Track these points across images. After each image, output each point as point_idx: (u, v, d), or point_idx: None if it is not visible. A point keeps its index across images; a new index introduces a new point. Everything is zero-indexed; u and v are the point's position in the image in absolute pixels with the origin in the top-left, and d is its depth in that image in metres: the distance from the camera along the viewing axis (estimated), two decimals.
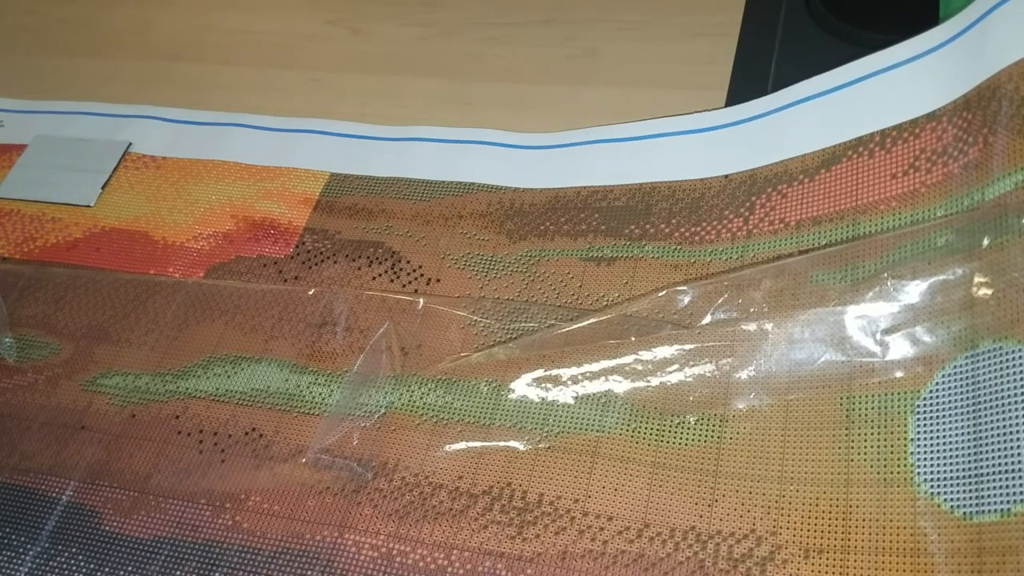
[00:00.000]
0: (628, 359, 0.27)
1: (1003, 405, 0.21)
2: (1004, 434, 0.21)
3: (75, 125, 0.40)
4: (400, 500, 0.26)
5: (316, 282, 0.32)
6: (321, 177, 0.35)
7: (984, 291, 0.22)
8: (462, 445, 0.27)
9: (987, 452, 0.21)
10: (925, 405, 0.23)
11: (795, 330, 0.25)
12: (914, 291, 0.24)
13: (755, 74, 0.33)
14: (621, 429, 0.26)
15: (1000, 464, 0.20)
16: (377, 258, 0.32)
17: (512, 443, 0.26)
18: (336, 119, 0.37)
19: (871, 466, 0.23)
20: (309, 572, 0.25)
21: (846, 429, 0.23)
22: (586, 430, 0.26)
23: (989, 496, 0.20)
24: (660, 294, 0.27)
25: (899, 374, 0.23)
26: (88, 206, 0.37)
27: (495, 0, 0.42)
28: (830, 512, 0.23)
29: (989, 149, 0.24)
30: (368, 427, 0.28)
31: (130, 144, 0.38)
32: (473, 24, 0.41)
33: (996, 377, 0.21)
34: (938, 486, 0.21)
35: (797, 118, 0.29)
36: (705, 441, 0.25)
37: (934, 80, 0.27)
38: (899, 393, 0.23)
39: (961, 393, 0.22)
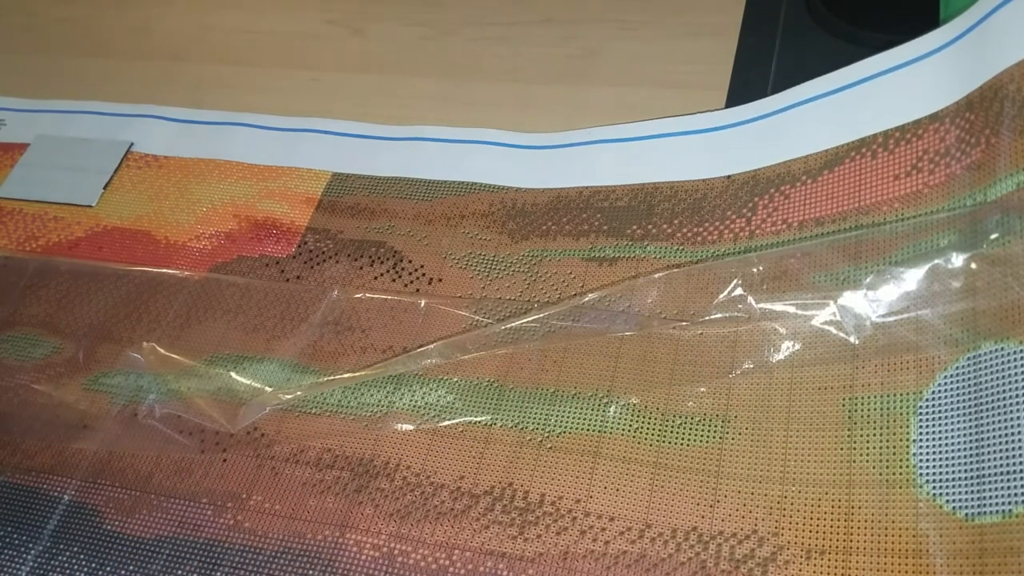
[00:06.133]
0: (630, 359, 0.27)
1: (1005, 406, 0.21)
2: (1006, 435, 0.21)
3: (77, 124, 0.40)
4: (401, 500, 0.26)
5: (318, 281, 0.32)
6: (323, 177, 0.35)
7: (986, 292, 0.22)
8: (463, 445, 0.27)
9: (989, 453, 0.21)
10: (927, 406, 0.23)
11: (796, 330, 0.25)
12: (916, 292, 0.24)
13: (755, 74, 0.33)
14: (623, 429, 0.26)
15: (1002, 465, 0.20)
16: (379, 258, 0.32)
17: (513, 443, 0.26)
18: (337, 119, 0.37)
19: (873, 467, 0.23)
20: (310, 572, 0.25)
21: (848, 430, 0.23)
22: (588, 430, 0.26)
23: (991, 497, 0.20)
24: (656, 275, 0.27)
25: (901, 375, 0.23)
26: (90, 206, 0.37)
27: (495, 0, 0.41)
28: (832, 513, 0.23)
29: (991, 150, 0.24)
30: (370, 426, 0.28)
31: (132, 143, 0.38)
32: (473, 24, 0.41)
33: (998, 378, 0.21)
34: (940, 487, 0.21)
35: (800, 119, 0.29)
36: (707, 441, 0.25)
37: (936, 81, 0.27)
38: (901, 394, 0.23)
39: (963, 394, 0.22)
